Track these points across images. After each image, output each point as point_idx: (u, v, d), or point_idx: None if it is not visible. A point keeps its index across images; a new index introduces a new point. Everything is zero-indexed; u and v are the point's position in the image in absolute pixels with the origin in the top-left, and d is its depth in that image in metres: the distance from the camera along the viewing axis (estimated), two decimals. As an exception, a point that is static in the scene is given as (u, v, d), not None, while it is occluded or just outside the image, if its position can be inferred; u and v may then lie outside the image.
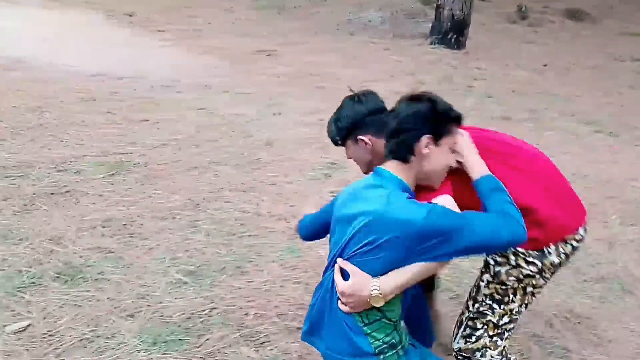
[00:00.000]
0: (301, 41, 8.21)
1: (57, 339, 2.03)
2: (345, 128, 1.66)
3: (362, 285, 1.35)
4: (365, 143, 1.64)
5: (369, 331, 1.40)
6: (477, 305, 1.64)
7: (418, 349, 1.54)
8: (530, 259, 1.54)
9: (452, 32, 8.24)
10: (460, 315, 1.71)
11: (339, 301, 1.41)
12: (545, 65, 7.78)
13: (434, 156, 1.43)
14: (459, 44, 8.28)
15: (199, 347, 2.05)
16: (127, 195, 3.12)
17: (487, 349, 1.63)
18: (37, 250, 2.53)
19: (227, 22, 9.26)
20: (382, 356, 1.41)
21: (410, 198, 1.38)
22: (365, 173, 1.69)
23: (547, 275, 1.58)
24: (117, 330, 2.10)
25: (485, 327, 1.63)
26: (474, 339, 1.64)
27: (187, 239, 2.75)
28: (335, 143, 1.72)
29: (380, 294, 1.34)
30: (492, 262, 1.59)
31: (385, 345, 1.41)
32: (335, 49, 7.88)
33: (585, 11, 11.36)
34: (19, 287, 2.27)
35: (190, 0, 10.27)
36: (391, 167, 1.45)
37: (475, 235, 1.30)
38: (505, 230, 1.32)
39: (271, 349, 2.09)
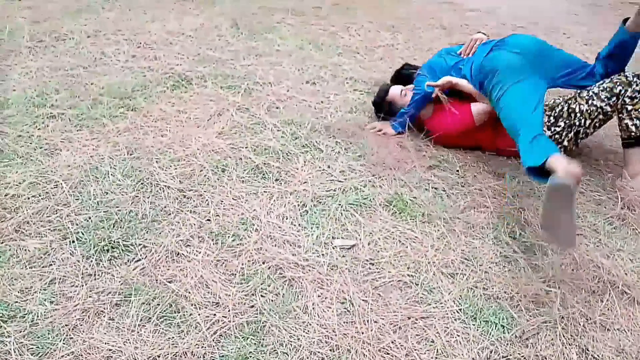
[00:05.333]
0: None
1: (377, 270, 1.96)
2: None
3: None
4: None
5: None
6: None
7: None
8: None
9: None
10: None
11: None
12: None
13: None
14: None
15: (526, 345, 1.72)
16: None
17: None
18: (372, 171, 2.51)
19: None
20: None
21: None
22: None
23: None
24: (437, 285, 1.91)
25: None
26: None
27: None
28: None
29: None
30: None
31: None
32: None
33: None
34: (351, 204, 2.28)
35: None
36: None
37: None
38: None
39: None
